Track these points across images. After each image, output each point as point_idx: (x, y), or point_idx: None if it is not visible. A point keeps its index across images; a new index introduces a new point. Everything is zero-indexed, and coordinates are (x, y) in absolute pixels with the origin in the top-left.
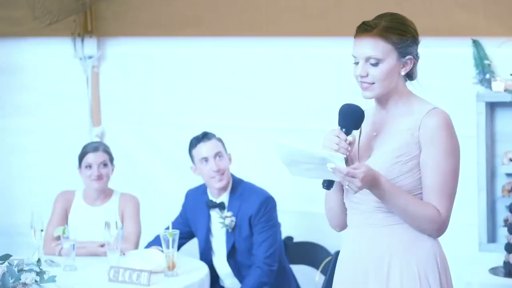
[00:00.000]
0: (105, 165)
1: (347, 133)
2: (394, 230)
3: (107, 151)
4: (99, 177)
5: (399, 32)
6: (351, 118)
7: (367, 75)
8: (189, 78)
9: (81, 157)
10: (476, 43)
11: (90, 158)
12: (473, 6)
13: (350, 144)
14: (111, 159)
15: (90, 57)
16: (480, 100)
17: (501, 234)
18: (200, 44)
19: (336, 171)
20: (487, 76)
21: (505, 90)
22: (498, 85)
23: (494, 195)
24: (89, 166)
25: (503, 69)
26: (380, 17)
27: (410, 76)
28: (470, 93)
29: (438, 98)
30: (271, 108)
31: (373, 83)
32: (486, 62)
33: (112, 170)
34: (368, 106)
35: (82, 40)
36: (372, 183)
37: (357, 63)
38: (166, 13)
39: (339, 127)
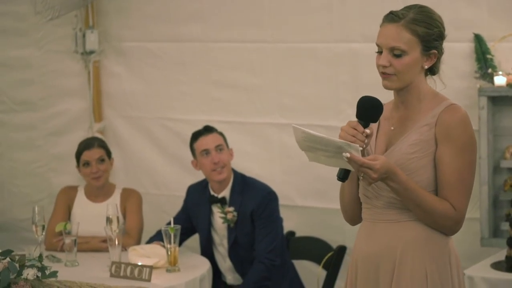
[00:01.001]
0: (102, 160)
1: (365, 125)
2: (407, 226)
3: (102, 146)
4: (98, 174)
5: (425, 25)
6: (369, 111)
7: (390, 66)
8: (191, 73)
9: (78, 155)
10: (478, 37)
11: (86, 155)
12: (476, 0)
13: (367, 137)
14: (108, 153)
15: (91, 52)
16: (482, 94)
17: (503, 229)
18: (202, 39)
19: (351, 161)
20: (490, 70)
21: (507, 85)
22: (500, 80)
23: (496, 189)
24: (86, 164)
25: (506, 64)
26: (409, 8)
27: (432, 70)
28: (472, 88)
29: (440, 92)
30: (273, 103)
31: (394, 74)
32: (488, 56)
33: (111, 164)
34: (386, 99)
35: (84, 35)
36: (388, 175)
37: (380, 52)
38: (168, 8)
39: (357, 119)
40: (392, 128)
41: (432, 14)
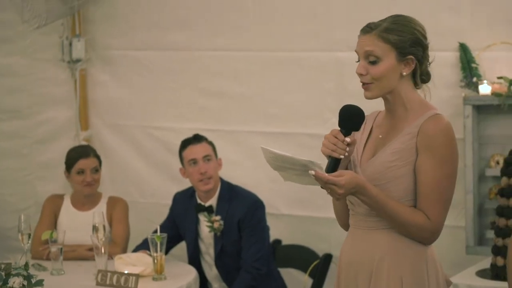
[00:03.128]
0: (96, 170)
1: (346, 134)
2: (386, 234)
3: (97, 155)
4: (91, 183)
5: (397, 33)
6: (350, 119)
7: (367, 74)
8: (177, 82)
9: (71, 162)
10: (463, 47)
11: (82, 163)
12: (461, 9)
13: (349, 145)
14: (100, 163)
15: (78, 60)
16: (467, 103)
17: (488, 237)
18: (188, 48)
19: (317, 178)
20: (474, 79)
21: (492, 94)
22: (485, 88)
23: (481, 198)
24: (81, 172)
25: (490, 73)
26: (385, 19)
27: (415, 79)
28: (457, 96)
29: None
30: (259, 112)
31: (372, 83)
32: (473, 65)
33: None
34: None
35: (70, 44)
36: (357, 190)
37: (358, 61)
38: (154, 17)
39: (339, 128)
40: (380, 136)
41: (408, 22)
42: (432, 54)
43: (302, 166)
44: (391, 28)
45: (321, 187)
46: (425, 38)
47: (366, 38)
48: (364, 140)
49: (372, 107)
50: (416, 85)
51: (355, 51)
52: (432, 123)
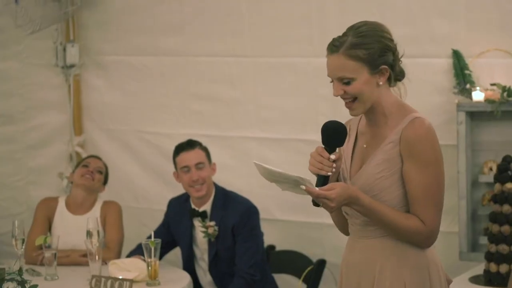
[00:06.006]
0: (100, 172)
1: (330, 151)
2: (385, 241)
3: (104, 164)
4: (92, 175)
5: (365, 47)
6: (332, 136)
7: (344, 93)
8: (171, 87)
9: (81, 161)
10: (456, 53)
11: (89, 160)
12: (454, 16)
13: (336, 161)
14: (106, 170)
15: (72, 66)
16: (460, 109)
17: (481, 243)
18: (181, 53)
19: (308, 192)
20: (468, 86)
21: (485, 100)
22: (478, 95)
23: (474, 204)
24: (85, 166)
25: (484, 79)
26: (349, 30)
27: (390, 80)
28: (450, 103)
29: (418, 107)
30: (252, 117)
31: (355, 98)
32: (466, 72)
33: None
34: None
35: (64, 49)
36: (350, 201)
37: (332, 82)
38: (147, 22)
39: (323, 146)
40: (365, 145)
41: (372, 30)
42: (425, 60)
43: (293, 181)
44: (357, 43)
45: (313, 205)
46: (392, 40)
47: (334, 58)
48: (350, 150)
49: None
50: (390, 84)
51: (327, 75)
52: (412, 129)
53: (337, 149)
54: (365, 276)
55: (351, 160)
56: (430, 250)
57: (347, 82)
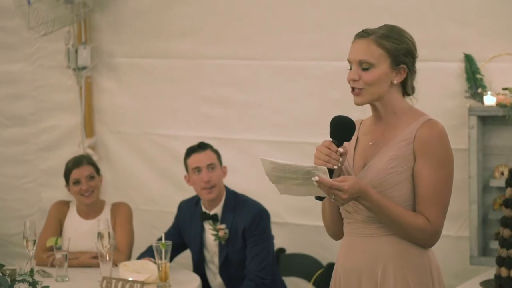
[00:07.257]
0: (92, 177)
1: (338, 145)
2: (388, 240)
3: (91, 162)
4: (89, 191)
5: (393, 41)
6: (341, 130)
7: (359, 79)
8: (182, 89)
9: (67, 175)
10: (468, 57)
11: (76, 173)
12: (466, 20)
13: (342, 155)
14: (97, 170)
15: (84, 68)
16: (472, 114)
17: (492, 248)
18: (192, 56)
19: (320, 184)
20: (479, 90)
21: (497, 104)
22: (490, 99)
23: (485, 208)
24: (77, 182)
25: (495, 83)
26: (380, 27)
27: (404, 89)
28: (462, 107)
29: (430, 111)
30: (263, 120)
31: (363, 88)
32: (478, 76)
33: (101, 180)
34: (361, 116)
35: (76, 51)
36: (360, 195)
37: (351, 69)
38: (159, 25)
39: (331, 139)
40: (371, 143)
41: (402, 32)
42: (437, 64)
43: (305, 174)
44: (388, 35)
45: (316, 198)
46: (416, 50)
47: (361, 42)
48: (352, 149)
49: (363, 115)
50: (405, 94)
51: (348, 59)
52: (428, 128)
53: (344, 144)
54: (367, 275)
55: (353, 158)
56: (431, 251)
57: (366, 68)
